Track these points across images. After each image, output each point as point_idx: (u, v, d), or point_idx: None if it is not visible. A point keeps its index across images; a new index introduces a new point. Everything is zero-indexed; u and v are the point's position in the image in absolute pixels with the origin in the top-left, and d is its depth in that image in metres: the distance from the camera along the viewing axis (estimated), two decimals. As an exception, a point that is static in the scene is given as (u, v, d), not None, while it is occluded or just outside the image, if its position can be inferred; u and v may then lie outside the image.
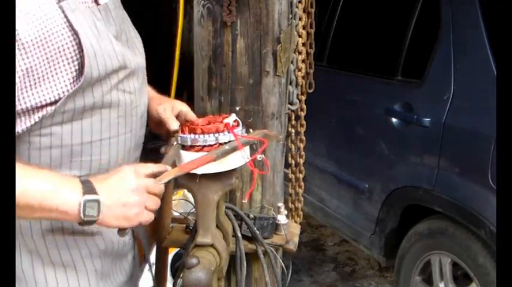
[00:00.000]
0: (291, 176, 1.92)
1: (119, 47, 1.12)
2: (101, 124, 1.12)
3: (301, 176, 1.92)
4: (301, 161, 1.90)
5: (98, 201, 1.02)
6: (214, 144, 1.18)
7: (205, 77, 1.59)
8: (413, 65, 2.74)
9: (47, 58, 1.01)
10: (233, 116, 1.26)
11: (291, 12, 1.60)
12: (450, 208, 2.44)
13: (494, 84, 2.11)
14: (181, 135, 1.22)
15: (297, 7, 1.63)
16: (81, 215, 1.00)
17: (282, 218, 1.58)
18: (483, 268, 2.29)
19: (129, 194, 1.06)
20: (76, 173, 1.11)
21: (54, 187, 1.00)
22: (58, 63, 1.02)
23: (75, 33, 1.03)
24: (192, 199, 1.32)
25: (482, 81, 2.33)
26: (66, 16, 1.03)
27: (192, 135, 1.19)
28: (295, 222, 1.91)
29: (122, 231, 1.10)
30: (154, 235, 1.61)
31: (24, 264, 1.13)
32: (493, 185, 2.19)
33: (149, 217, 1.10)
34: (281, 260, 1.62)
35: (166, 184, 1.16)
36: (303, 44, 1.76)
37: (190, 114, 1.38)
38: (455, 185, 2.39)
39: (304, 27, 1.75)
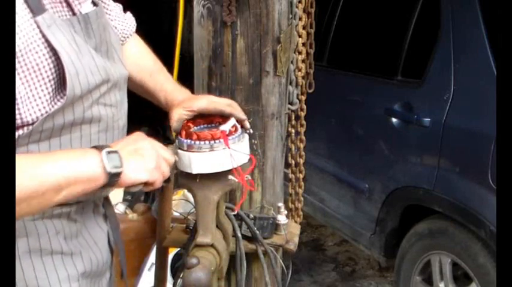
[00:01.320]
0: (291, 176, 1.92)
1: (100, 60, 1.07)
2: (80, 141, 1.07)
3: (301, 176, 1.92)
4: (301, 161, 1.90)
5: (117, 152, 1.00)
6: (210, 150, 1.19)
7: (205, 77, 1.59)
8: (413, 65, 2.73)
9: (21, 79, 0.94)
10: (232, 121, 1.27)
11: (291, 12, 1.60)
12: (450, 208, 2.44)
13: (494, 84, 2.10)
14: (179, 138, 1.23)
15: (297, 7, 1.64)
16: (107, 168, 0.97)
17: (282, 218, 1.58)
18: (483, 268, 2.29)
19: (145, 148, 1.05)
20: None
21: (71, 160, 0.96)
22: (34, 83, 0.96)
23: (53, 50, 0.97)
24: (192, 199, 1.33)
25: (482, 81, 2.33)
26: (42, 32, 0.96)
27: (188, 141, 1.20)
28: (295, 222, 1.91)
29: (133, 188, 1.07)
30: (153, 235, 1.61)
31: None
32: (493, 185, 2.19)
33: (161, 180, 1.08)
34: (281, 260, 1.62)
35: (167, 184, 1.17)
36: (303, 44, 1.76)
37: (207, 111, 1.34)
38: (455, 185, 2.39)
39: (304, 27, 1.75)
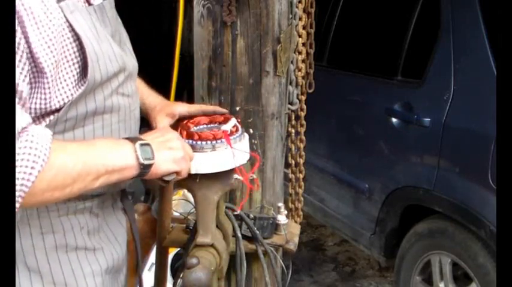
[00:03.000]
0: (291, 176, 1.92)
1: (117, 48, 1.11)
2: (102, 131, 1.11)
3: (301, 176, 1.92)
4: (301, 161, 1.90)
5: (149, 144, 1.06)
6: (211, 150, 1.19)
7: (205, 77, 1.59)
8: (413, 65, 2.73)
9: (52, 63, 0.97)
10: (232, 121, 1.26)
11: (291, 12, 1.60)
12: (450, 208, 2.44)
13: (494, 84, 2.10)
14: None
15: (297, 7, 1.64)
16: (140, 159, 1.04)
17: (282, 218, 1.58)
18: (483, 268, 2.29)
19: (173, 140, 1.12)
20: None
21: (109, 150, 1.03)
22: (61, 66, 1.00)
23: (76, 35, 1.01)
24: (192, 199, 1.33)
25: (482, 81, 2.33)
26: (65, 16, 1.00)
27: (190, 141, 1.20)
28: (295, 222, 1.91)
29: (167, 177, 1.12)
30: (153, 235, 1.61)
31: (23, 283, 1.08)
32: (493, 185, 2.18)
33: (187, 170, 1.15)
34: (281, 260, 1.62)
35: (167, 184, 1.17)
36: (303, 44, 1.76)
37: (188, 115, 1.39)
38: (455, 185, 2.39)
39: (304, 27, 1.75)
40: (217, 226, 1.32)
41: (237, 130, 1.24)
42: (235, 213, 1.49)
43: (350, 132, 3.12)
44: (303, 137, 1.86)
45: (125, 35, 1.24)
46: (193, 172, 1.20)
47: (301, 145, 1.87)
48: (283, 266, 1.66)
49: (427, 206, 2.58)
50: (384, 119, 2.76)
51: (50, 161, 0.92)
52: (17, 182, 0.88)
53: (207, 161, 1.19)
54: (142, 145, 1.05)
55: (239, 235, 1.48)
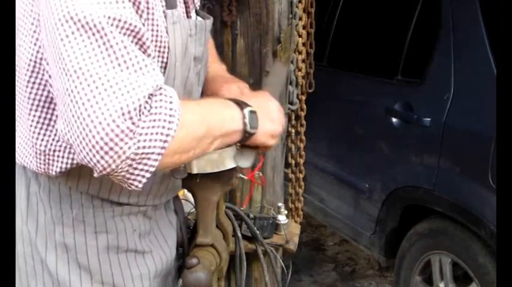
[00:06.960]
0: (291, 176, 1.92)
1: (193, 77, 1.09)
2: None
3: (301, 176, 1.92)
4: (301, 161, 1.90)
5: (255, 112, 1.04)
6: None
7: (205, 77, 1.59)
8: (413, 65, 2.73)
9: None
10: None
11: (291, 12, 1.60)
12: (450, 208, 2.44)
13: (494, 84, 2.10)
14: None
15: (297, 7, 1.64)
16: (248, 127, 1.02)
17: (282, 218, 1.59)
18: (483, 268, 2.29)
19: (275, 112, 1.11)
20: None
21: (223, 112, 1.01)
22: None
23: (168, 48, 0.99)
24: (192, 199, 1.32)
25: (482, 81, 2.33)
26: (165, 24, 0.98)
27: None
28: (295, 222, 1.91)
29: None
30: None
31: (72, 277, 1.08)
32: (493, 185, 2.18)
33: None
34: (281, 260, 1.62)
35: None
36: (303, 44, 1.76)
37: None
38: (455, 185, 2.39)
39: (304, 27, 1.75)
40: (217, 226, 1.32)
41: None
42: (243, 208, 1.49)
43: (350, 132, 3.12)
44: (303, 137, 1.86)
45: (206, 63, 1.22)
46: (193, 171, 1.19)
47: (301, 145, 1.87)
48: (283, 266, 1.66)
49: (427, 206, 2.58)
50: (383, 119, 2.76)
51: (181, 120, 0.88)
52: (154, 143, 0.84)
53: (208, 161, 1.18)
54: (251, 112, 1.03)
55: (239, 235, 1.48)
